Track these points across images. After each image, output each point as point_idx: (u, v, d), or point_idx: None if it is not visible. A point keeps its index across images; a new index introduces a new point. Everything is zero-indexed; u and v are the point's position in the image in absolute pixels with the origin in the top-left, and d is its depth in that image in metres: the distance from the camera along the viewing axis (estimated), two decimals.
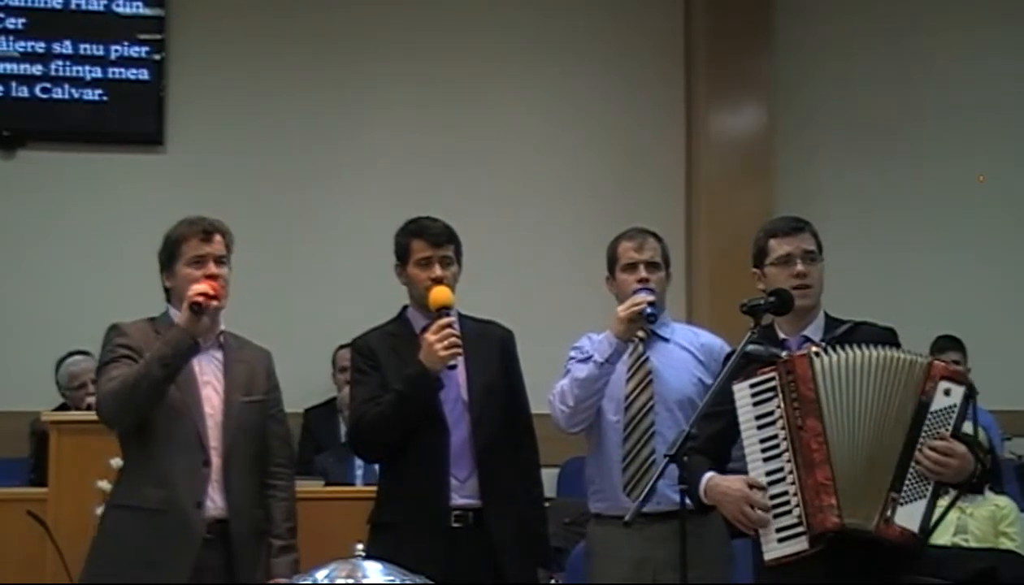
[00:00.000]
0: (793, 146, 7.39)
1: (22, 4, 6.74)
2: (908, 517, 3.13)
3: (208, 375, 3.68)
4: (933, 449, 3.14)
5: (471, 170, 7.10)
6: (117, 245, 6.71)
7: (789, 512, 3.19)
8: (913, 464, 3.15)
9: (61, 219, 6.76)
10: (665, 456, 3.17)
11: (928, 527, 3.16)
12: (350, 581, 2.70)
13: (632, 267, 3.98)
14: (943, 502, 3.24)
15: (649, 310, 3.82)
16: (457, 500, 3.78)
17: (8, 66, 6.71)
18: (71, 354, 5.98)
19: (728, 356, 3.61)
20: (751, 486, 3.23)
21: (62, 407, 5.70)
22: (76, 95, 6.76)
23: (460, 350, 3.74)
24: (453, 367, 3.76)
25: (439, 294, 3.80)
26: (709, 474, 3.32)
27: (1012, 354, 7.19)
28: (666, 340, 4.03)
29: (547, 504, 4.28)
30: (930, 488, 3.14)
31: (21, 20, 6.74)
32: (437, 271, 3.85)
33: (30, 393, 6.02)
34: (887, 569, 3.22)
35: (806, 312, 3.49)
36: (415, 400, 3.75)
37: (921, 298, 7.20)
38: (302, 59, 7.02)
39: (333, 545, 2.96)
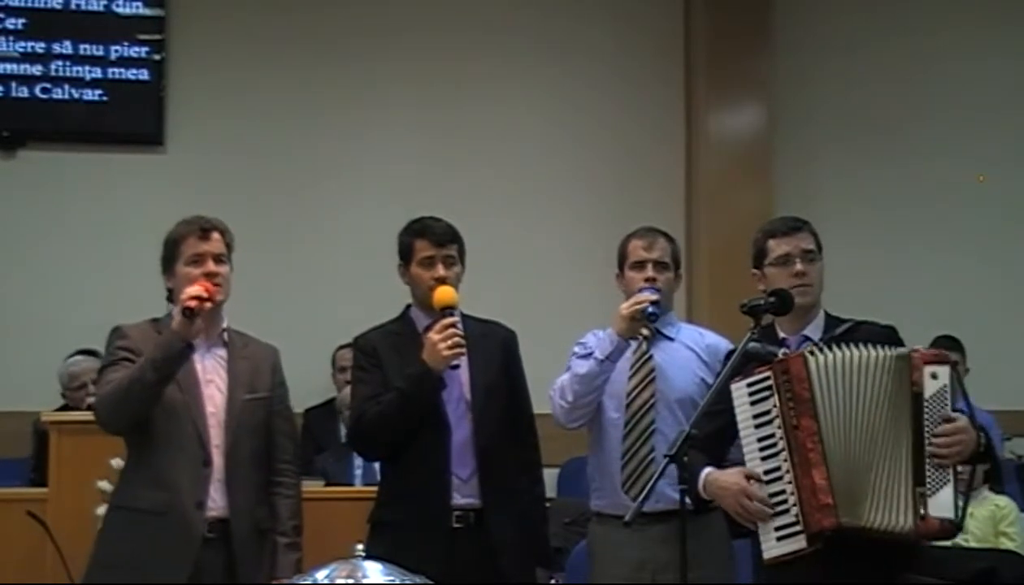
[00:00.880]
0: (793, 146, 7.39)
1: (22, 4, 6.74)
2: (940, 507, 3.13)
3: (211, 373, 3.68)
4: (942, 434, 3.15)
5: (471, 170, 7.10)
6: (117, 245, 6.72)
7: (787, 511, 3.20)
8: (928, 456, 3.16)
9: (61, 219, 6.76)
10: (665, 456, 3.18)
11: (962, 512, 3.16)
12: (350, 581, 2.70)
13: (640, 265, 3.98)
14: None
15: (650, 309, 3.82)
16: (458, 500, 3.78)
17: (8, 66, 6.71)
18: (77, 353, 5.99)
19: (728, 354, 3.62)
20: (748, 477, 3.23)
21: (63, 408, 5.70)
22: (76, 95, 6.77)
23: (463, 350, 3.74)
24: (456, 367, 3.76)
25: (443, 294, 3.80)
26: (707, 469, 3.33)
27: (1012, 354, 7.20)
28: (671, 339, 4.04)
29: (547, 504, 4.28)
30: (950, 473, 3.15)
31: (21, 20, 6.74)
32: (440, 271, 3.85)
33: (31, 393, 6.02)
34: (886, 567, 3.23)
35: (806, 311, 3.49)
36: (417, 399, 3.75)
37: (921, 298, 7.20)
38: (302, 59, 7.02)
39: (333, 545, 2.96)
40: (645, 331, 3.96)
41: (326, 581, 2.72)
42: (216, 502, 3.60)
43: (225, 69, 6.96)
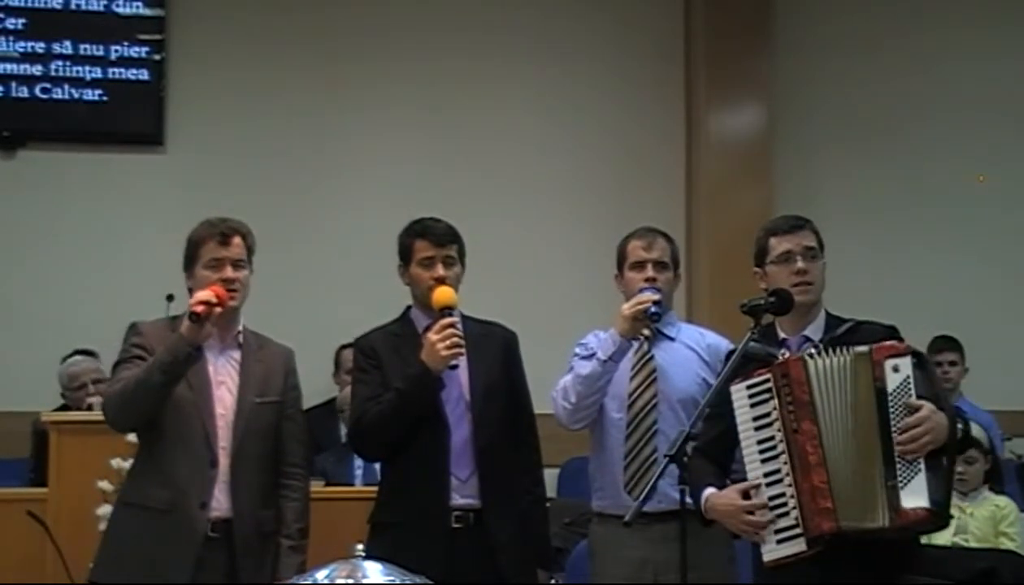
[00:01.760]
0: (793, 146, 7.39)
1: (22, 4, 6.75)
2: (913, 496, 3.11)
3: (223, 375, 3.69)
4: (907, 427, 3.14)
5: (471, 170, 7.10)
6: (117, 245, 6.73)
7: (787, 514, 3.20)
8: (896, 449, 3.14)
9: (61, 219, 6.76)
10: (665, 456, 3.18)
11: (940, 498, 3.14)
12: (350, 581, 2.70)
13: (640, 266, 3.98)
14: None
15: (652, 309, 3.82)
16: (458, 500, 3.78)
17: (8, 66, 6.72)
18: (75, 353, 5.99)
19: (728, 354, 3.61)
20: (745, 494, 3.24)
21: (62, 408, 5.70)
22: (76, 95, 6.77)
23: (462, 350, 3.74)
24: (455, 367, 3.76)
25: (443, 294, 3.80)
26: (707, 492, 3.32)
27: (1011, 354, 7.20)
28: (672, 339, 4.03)
29: (547, 504, 4.27)
30: (921, 462, 3.13)
31: (21, 20, 6.75)
32: (440, 271, 3.85)
33: (31, 393, 6.02)
34: (886, 569, 3.22)
35: (807, 311, 3.49)
36: (415, 399, 3.75)
37: (921, 298, 7.20)
38: (302, 59, 7.02)
39: (333, 545, 2.96)
40: (646, 331, 3.96)
41: (326, 581, 2.72)
42: (220, 503, 3.60)
43: (225, 69, 6.96)
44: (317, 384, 6.51)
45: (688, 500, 3.22)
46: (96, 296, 6.55)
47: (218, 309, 3.53)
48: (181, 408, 3.59)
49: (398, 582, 2.73)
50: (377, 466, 5.03)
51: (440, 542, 3.70)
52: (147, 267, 6.31)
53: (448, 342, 3.69)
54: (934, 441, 3.14)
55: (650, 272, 3.95)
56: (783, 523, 3.20)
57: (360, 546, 2.80)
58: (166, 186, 6.78)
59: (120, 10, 6.84)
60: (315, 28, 7.06)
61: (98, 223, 6.77)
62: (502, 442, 3.86)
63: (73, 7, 6.80)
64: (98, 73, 6.79)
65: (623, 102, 7.35)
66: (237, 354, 3.73)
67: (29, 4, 6.76)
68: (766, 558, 3.21)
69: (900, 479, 3.13)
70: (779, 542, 3.20)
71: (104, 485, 4.23)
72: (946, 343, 6.60)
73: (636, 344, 3.95)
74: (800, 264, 3.47)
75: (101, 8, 6.83)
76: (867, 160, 7.48)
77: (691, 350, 4.02)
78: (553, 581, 4.09)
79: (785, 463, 3.22)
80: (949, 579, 3.97)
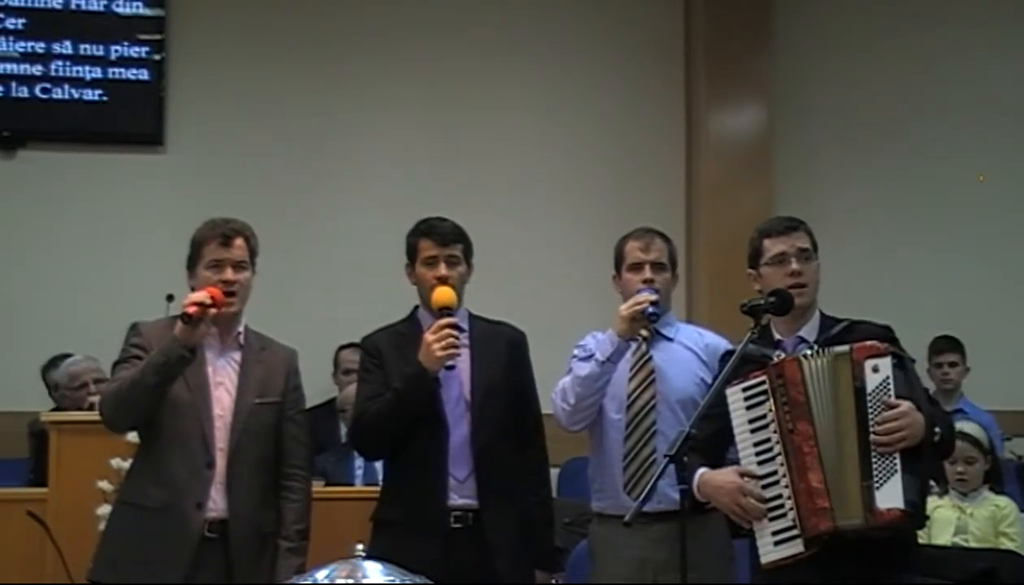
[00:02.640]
0: (793, 146, 7.39)
1: (22, 4, 6.75)
2: (888, 497, 3.12)
3: (222, 376, 3.69)
4: (883, 421, 3.15)
5: (471, 170, 7.10)
6: (117, 245, 6.73)
7: (784, 515, 3.21)
8: (872, 448, 3.15)
9: (61, 219, 6.77)
10: (665, 456, 3.17)
11: (915, 499, 3.15)
12: (350, 581, 2.70)
13: (638, 267, 3.97)
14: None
15: (650, 309, 3.82)
16: (456, 500, 3.78)
17: (8, 66, 6.72)
18: (54, 359, 5.98)
19: (725, 355, 3.62)
20: (743, 475, 3.24)
21: (55, 410, 5.68)
22: (76, 95, 6.77)
23: (458, 351, 3.74)
24: (451, 368, 3.75)
25: (441, 295, 3.80)
26: (701, 470, 3.33)
27: (1011, 354, 7.20)
28: (670, 339, 4.03)
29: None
30: (898, 462, 3.14)
31: (21, 20, 6.76)
32: (442, 270, 3.85)
33: (30, 393, 6.02)
34: (883, 569, 3.22)
35: (802, 312, 3.49)
36: (411, 399, 3.76)
37: (921, 298, 7.21)
38: (302, 59, 7.02)
39: (333, 545, 2.96)
40: (645, 332, 3.96)
41: (326, 581, 2.72)
42: (217, 503, 3.60)
43: (225, 69, 6.97)
44: (317, 384, 6.49)
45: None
46: (96, 296, 6.55)
47: (212, 310, 3.51)
48: (179, 409, 3.59)
49: (398, 582, 2.73)
50: (378, 466, 5.04)
51: (437, 542, 3.70)
52: (147, 267, 6.32)
53: (444, 343, 3.70)
54: (910, 438, 3.15)
55: (648, 273, 3.95)
56: (780, 524, 3.20)
57: (360, 546, 2.81)
58: (166, 186, 6.79)
59: (120, 10, 6.84)
60: (315, 28, 7.06)
61: (98, 223, 6.77)
62: (502, 443, 3.85)
63: (73, 7, 6.80)
64: (98, 73, 6.79)
65: (623, 102, 7.35)
66: (237, 355, 3.73)
67: (29, 4, 6.76)
68: (763, 560, 3.22)
69: (876, 479, 3.14)
70: (775, 544, 3.20)
71: (104, 485, 4.23)
72: (946, 343, 6.60)
73: (634, 345, 3.94)
74: (794, 266, 3.48)
75: (101, 8, 6.83)
76: (867, 160, 7.48)
77: (689, 350, 4.01)
78: (553, 581, 4.08)
79: (781, 465, 3.23)
80: (949, 579, 3.97)
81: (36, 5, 6.77)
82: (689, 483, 3.27)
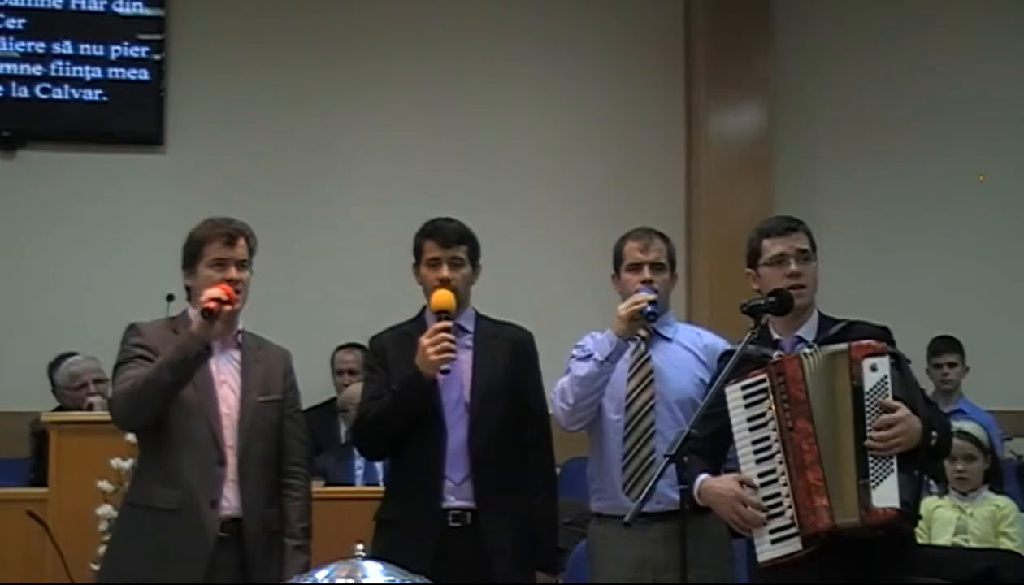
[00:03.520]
0: (793, 146, 7.39)
1: (22, 4, 6.75)
2: (883, 496, 3.12)
3: (225, 375, 3.69)
4: (880, 426, 3.15)
5: (470, 170, 7.10)
6: (117, 245, 6.73)
7: (782, 514, 3.20)
8: (868, 448, 3.16)
9: (61, 219, 6.77)
10: (665, 456, 3.18)
11: (910, 499, 3.15)
12: (350, 581, 2.70)
13: (637, 267, 3.97)
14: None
15: (649, 309, 3.81)
16: (453, 502, 3.78)
17: (8, 66, 6.72)
18: (60, 357, 5.98)
19: (723, 355, 3.61)
20: (743, 484, 3.24)
21: (58, 409, 5.69)
22: (76, 95, 6.77)
23: (453, 355, 3.73)
24: (446, 372, 3.75)
25: (439, 298, 3.80)
26: (702, 476, 3.33)
27: (1011, 354, 7.20)
28: (669, 340, 4.03)
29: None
30: (894, 462, 3.14)
31: (21, 20, 6.75)
32: (444, 272, 3.85)
33: (30, 393, 6.02)
34: (882, 568, 3.22)
35: (800, 312, 3.49)
36: (408, 401, 3.76)
37: (921, 298, 7.21)
38: (302, 59, 7.02)
39: (333, 545, 2.96)
40: (643, 332, 3.96)
41: (326, 581, 2.72)
42: (230, 501, 3.60)
43: (225, 69, 6.97)
44: (317, 384, 6.51)
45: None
46: (96, 296, 6.55)
47: (227, 307, 3.52)
48: (186, 408, 3.58)
49: (398, 582, 2.73)
50: (378, 466, 5.05)
51: (433, 542, 3.70)
52: (147, 267, 6.31)
53: (438, 347, 3.69)
54: (905, 443, 3.15)
55: (646, 274, 3.94)
56: (778, 523, 3.20)
57: (360, 546, 2.80)
58: (166, 186, 6.79)
59: (120, 10, 6.84)
60: (315, 28, 7.06)
61: (98, 223, 6.77)
62: (502, 444, 3.84)
63: (73, 7, 6.80)
64: (98, 73, 6.79)
65: (623, 102, 7.35)
66: (237, 354, 3.73)
67: (29, 4, 6.76)
68: (761, 558, 3.21)
69: (872, 478, 3.14)
70: (773, 542, 3.20)
71: (104, 485, 4.23)
72: (946, 343, 6.60)
73: (633, 345, 3.94)
74: (793, 267, 3.48)
75: (101, 8, 6.83)
76: (867, 160, 7.48)
77: (688, 351, 4.01)
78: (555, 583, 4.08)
79: (780, 463, 3.22)
80: (949, 579, 3.97)
81: (36, 5, 6.77)
82: (689, 484, 3.27)
